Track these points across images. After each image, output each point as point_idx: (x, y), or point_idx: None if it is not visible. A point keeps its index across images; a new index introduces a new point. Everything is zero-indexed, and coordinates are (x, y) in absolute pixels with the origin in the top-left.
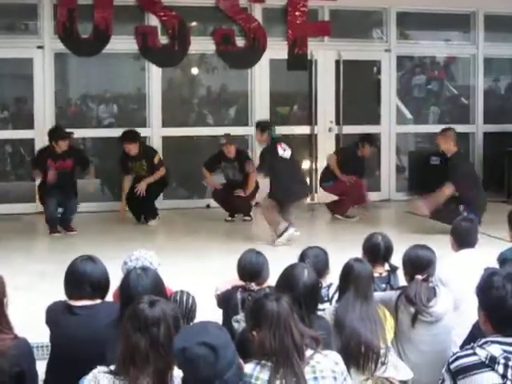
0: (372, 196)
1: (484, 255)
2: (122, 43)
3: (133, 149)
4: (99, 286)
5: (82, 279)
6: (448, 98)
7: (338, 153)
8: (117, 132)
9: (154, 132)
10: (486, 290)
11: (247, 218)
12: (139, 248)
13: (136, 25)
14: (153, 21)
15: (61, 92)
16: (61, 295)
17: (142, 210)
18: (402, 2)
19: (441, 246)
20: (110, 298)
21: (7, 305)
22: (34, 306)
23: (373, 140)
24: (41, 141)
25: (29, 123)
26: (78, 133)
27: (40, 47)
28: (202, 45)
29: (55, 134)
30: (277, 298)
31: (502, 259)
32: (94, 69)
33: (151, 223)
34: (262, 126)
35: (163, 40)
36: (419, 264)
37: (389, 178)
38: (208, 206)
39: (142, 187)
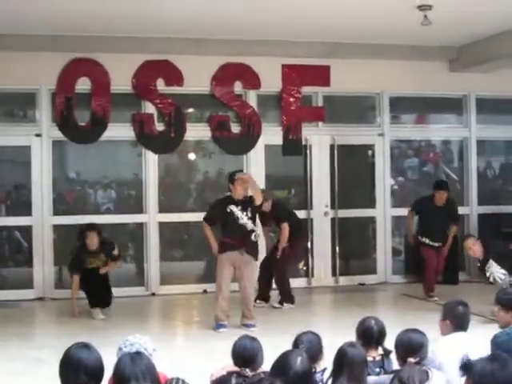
0: (368, 279)
1: (476, 338)
2: (120, 130)
3: (95, 241)
4: (94, 373)
5: (77, 366)
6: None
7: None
8: (114, 218)
9: (151, 217)
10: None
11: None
12: (134, 333)
13: (133, 112)
14: (149, 108)
15: (58, 179)
16: (57, 381)
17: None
18: (394, 87)
19: (435, 328)
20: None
21: None
22: None
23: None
24: (39, 228)
25: (27, 210)
26: (76, 219)
27: (38, 135)
28: (198, 131)
29: None
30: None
31: (496, 342)
32: (92, 155)
33: (99, 316)
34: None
35: (159, 127)
36: (411, 347)
37: (385, 260)
38: (205, 292)
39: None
